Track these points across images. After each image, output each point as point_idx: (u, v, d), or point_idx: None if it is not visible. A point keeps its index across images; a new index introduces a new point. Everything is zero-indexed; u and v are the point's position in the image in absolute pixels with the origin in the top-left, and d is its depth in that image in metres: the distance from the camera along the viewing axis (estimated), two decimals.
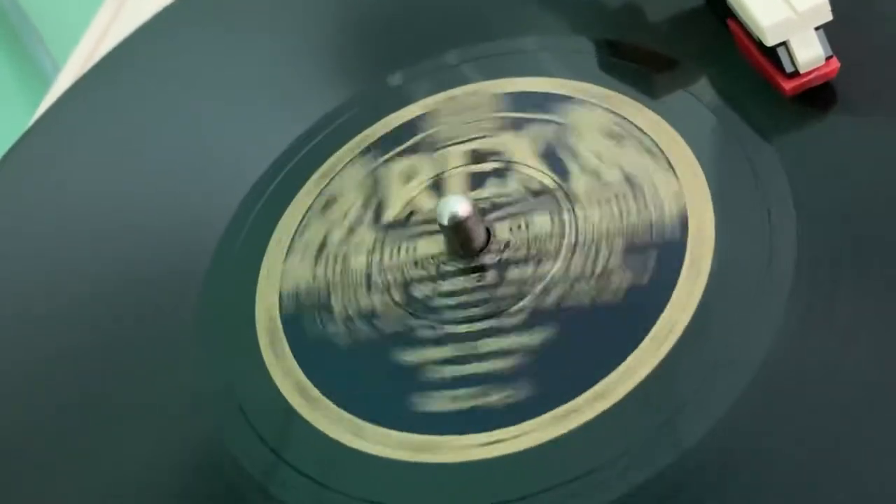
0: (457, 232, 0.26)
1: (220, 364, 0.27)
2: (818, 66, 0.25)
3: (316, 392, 0.25)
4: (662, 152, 0.27)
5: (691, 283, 0.24)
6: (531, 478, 0.22)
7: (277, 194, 0.31)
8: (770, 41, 0.25)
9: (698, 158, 0.26)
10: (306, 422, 0.25)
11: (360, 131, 0.31)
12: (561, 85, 0.30)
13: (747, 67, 0.27)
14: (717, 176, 0.26)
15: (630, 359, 0.23)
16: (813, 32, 0.25)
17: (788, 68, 0.26)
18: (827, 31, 0.25)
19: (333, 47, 0.36)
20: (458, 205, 0.26)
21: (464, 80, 0.31)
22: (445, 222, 0.26)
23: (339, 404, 0.25)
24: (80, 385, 0.28)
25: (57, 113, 0.39)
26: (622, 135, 0.28)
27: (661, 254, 0.25)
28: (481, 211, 0.27)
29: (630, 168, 0.27)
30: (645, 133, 0.28)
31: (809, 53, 0.25)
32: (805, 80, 0.26)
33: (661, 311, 0.24)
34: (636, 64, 0.29)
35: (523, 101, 0.30)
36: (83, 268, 0.32)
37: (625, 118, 0.28)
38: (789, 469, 0.20)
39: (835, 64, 0.26)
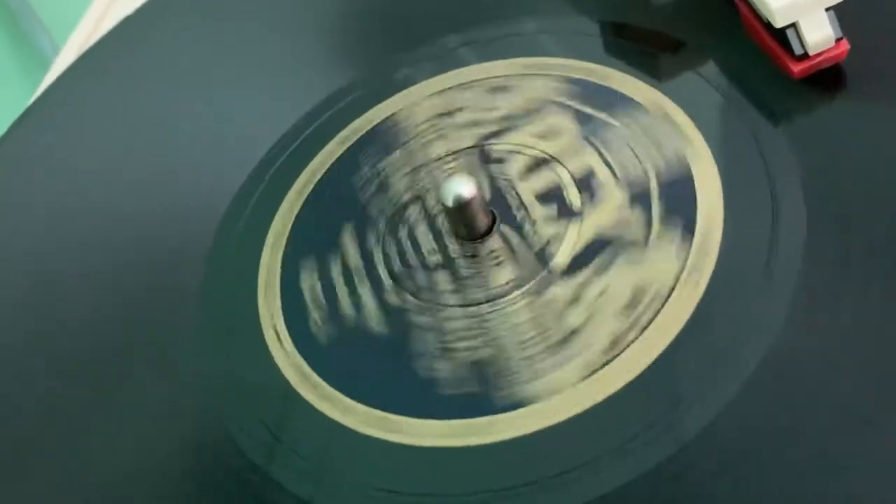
0: (462, 214, 0.26)
1: (222, 347, 0.27)
2: (828, 48, 0.25)
3: (330, 389, 0.25)
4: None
5: (701, 262, 0.24)
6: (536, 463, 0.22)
7: (277, 180, 0.31)
8: (779, 22, 0.25)
9: (706, 141, 0.26)
10: (307, 403, 0.25)
11: (359, 115, 0.31)
12: (563, 66, 0.30)
13: (755, 49, 0.27)
14: (725, 159, 0.26)
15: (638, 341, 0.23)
16: (824, 13, 0.25)
17: (797, 50, 0.25)
18: (837, 12, 0.25)
19: (333, 32, 0.36)
20: (462, 186, 0.25)
21: (463, 63, 0.31)
22: (450, 203, 0.25)
23: (364, 402, 0.24)
24: (81, 367, 0.28)
25: (55, 94, 0.39)
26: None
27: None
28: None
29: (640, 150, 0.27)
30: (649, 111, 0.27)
31: (819, 35, 0.25)
32: (814, 62, 0.25)
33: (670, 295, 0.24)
34: (642, 46, 0.29)
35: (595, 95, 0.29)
36: (82, 249, 0.32)
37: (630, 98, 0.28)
38: (791, 461, 0.20)
39: (844, 46, 0.25)
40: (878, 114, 0.25)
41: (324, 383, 0.25)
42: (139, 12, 0.40)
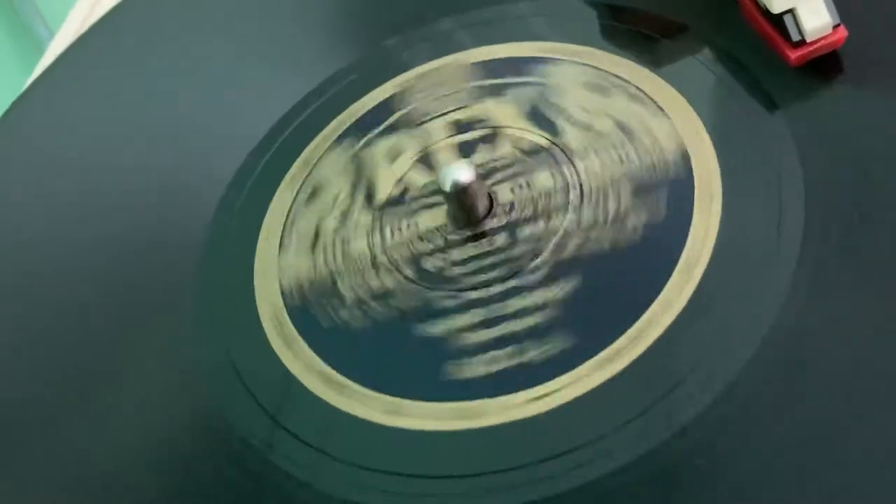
0: (460, 198, 0.26)
1: (219, 333, 0.27)
2: (825, 34, 0.25)
3: (340, 377, 0.25)
4: (661, 109, 0.27)
5: (706, 215, 0.24)
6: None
7: (259, 186, 0.30)
8: (777, 8, 0.25)
9: (704, 124, 0.26)
10: (307, 389, 0.25)
11: (344, 109, 0.31)
12: (554, 49, 0.30)
13: (753, 33, 0.27)
14: (724, 142, 0.26)
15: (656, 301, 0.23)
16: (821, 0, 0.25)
17: (795, 37, 0.25)
18: None
19: (325, 17, 0.36)
20: (459, 171, 0.25)
21: (458, 48, 0.31)
22: (448, 189, 0.25)
23: (369, 386, 0.24)
24: (79, 355, 0.28)
25: (50, 78, 0.38)
26: (608, 88, 0.28)
27: (670, 190, 0.25)
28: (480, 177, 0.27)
29: (622, 117, 0.27)
30: (643, 91, 0.28)
31: (817, 21, 0.25)
32: (811, 48, 0.25)
33: (683, 244, 0.24)
34: (639, 30, 0.29)
35: (499, 67, 0.30)
36: (76, 235, 0.32)
37: (628, 82, 0.28)
38: (792, 442, 0.20)
39: (842, 32, 0.25)
40: (876, 99, 0.25)
41: (351, 383, 0.25)
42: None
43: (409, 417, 0.23)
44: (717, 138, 0.26)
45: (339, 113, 0.31)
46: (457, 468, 0.22)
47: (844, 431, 0.20)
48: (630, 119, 0.27)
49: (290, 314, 0.26)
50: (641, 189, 0.25)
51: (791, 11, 0.25)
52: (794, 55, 0.25)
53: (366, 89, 0.31)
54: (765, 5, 0.26)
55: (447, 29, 0.32)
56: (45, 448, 0.26)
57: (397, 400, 0.24)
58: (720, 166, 0.25)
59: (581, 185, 0.26)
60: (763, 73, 0.26)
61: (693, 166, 0.25)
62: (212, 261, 0.29)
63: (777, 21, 0.25)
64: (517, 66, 0.29)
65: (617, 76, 0.28)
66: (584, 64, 0.29)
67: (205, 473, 0.24)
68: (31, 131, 0.36)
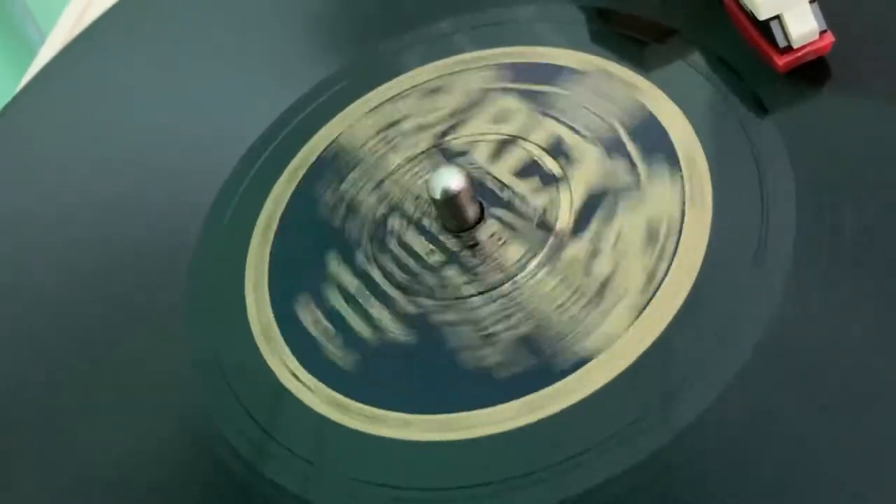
0: (449, 206, 0.26)
1: (210, 341, 0.27)
2: (812, 40, 0.25)
3: (329, 389, 0.25)
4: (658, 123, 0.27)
5: (697, 219, 0.24)
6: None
7: (267, 166, 0.31)
8: (763, 14, 0.25)
9: (694, 127, 0.26)
10: (297, 400, 0.25)
11: (353, 100, 0.31)
12: (558, 55, 0.30)
13: (742, 38, 0.27)
14: (714, 147, 0.26)
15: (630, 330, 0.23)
16: (808, 6, 0.25)
17: (781, 43, 0.25)
18: (821, 4, 0.25)
19: (320, 17, 0.36)
20: (450, 178, 0.25)
21: (458, 50, 0.31)
22: (437, 196, 0.25)
23: (362, 399, 0.24)
24: (69, 363, 0.28)
25: (41, 81, 0.38)
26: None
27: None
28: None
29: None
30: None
31: (803, 27, 0.25)
32: (798, 55, 0.25)
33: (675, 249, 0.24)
34: (629, 34, 0.29)
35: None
36: (68, 240, 0.32)
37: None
38: (787, 447, 0.20)
39: (829, 38, 0.25)
40: (865, 103, 0.25)
41: (357, 403, 0.24)
42: (124, 1, 0.40)
43: (402, 429, 0.23)
44: (707, 142, 0.26)
45: (336, 114, 0.31)
46: (450, 480, 0.22)
47: (843, 432, 0.20)
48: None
49: (301, 361, 0.26)
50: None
51: (777, 18, 0.25)
52: (781, 61, 0.25)
53: (361, 92, 0.31)
54: (751, 12, 0.26)
55: (446, 32, 0.32)
56: (32, 454, 0.26)
57: (390, 413, 0.24)
58: (710, 170, 0.25)
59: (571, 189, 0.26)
60: (753, 76, 0.26)
61: (683, 169, 0.25)
62: (202, 267, 0.29)
63: (764, 27, 0.26)
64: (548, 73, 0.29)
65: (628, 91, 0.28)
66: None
67: (194, 484, 0.24)
68: (23, 134, 0.36)
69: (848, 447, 0.20)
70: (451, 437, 0.23)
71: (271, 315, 0.27)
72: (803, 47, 0.25)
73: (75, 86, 0.37)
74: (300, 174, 0.30)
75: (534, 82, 0.29)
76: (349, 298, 0.26)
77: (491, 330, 0.24)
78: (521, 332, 0.24)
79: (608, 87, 0.28)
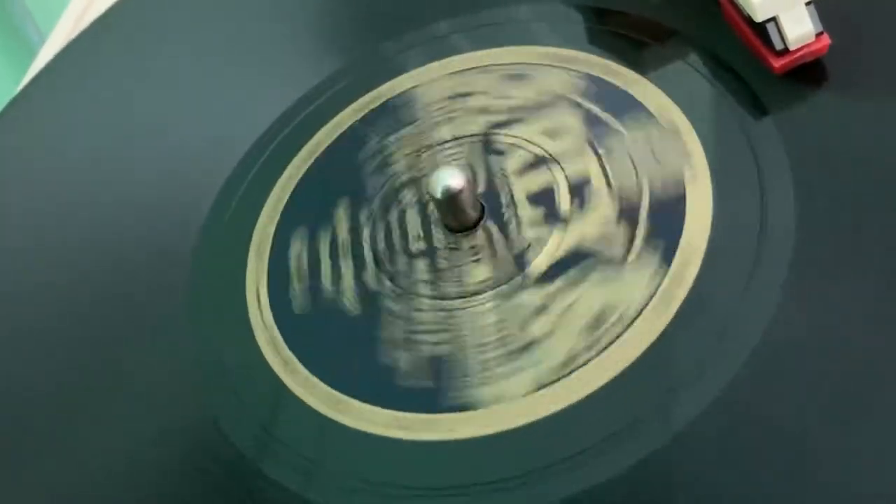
0: (448, 205, 0.26)
1: (211, 341, 0.27)
2: (808, 42, 0.25)
3: (328, 388, 0.25)
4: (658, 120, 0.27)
5: (696, 219, 0.24)
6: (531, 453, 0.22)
7: (271, 161, 0.31)
8: (759, 17, 0.25)
9: (694, 128, 0.26)
10: (297, 398, 0.25)
11: (351, 103, 0.31)
12: (553, 55, 0.30)
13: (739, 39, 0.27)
14: (713, 147, 0.26)
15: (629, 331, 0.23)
16: (804, 8, 0.25)
17: (778, 45, 0.25)
18: (817, 6, 0.25)
19: (330, 12, 0.36)
20: (451, 177, 0.25)
21: (455, 51, 0.31)
22: (438, 195, 0.25)
23: (363, 398, 0.24)
24: (69, 363, 0.28)
25: (41, 84, 0.38)
26: None
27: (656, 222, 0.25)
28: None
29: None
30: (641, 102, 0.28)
31: (800, 30, 0.25)
32: (795, 57, 0.25)
33: (675, 249, 0.24)
34: (626, 33, 0.29)
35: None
36: (68, 241, 0.32)
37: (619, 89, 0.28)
38: (789, 444, 0.20)
39: (825, 41, 0.25)
40: (864, 104, 0.25)
41: (295, 359, 0.25)
42: (123, 2, 0.40)
43: (350, 417, 0.24)
44: (707, 143, 0.26)
45: (335, 115, 0.31)
46: (454, 478, 0.22)
47: (842, 433, 0.20)
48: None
49: (269, 290, 0.27)
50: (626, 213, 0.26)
51: (774, 20, 0.25)
52: (777, 63, 0.26)
53: (360, 92, 0.31)
54: (748, 14, 0.26)
55: (443, 33, 0.32)
56: (32, 452, 0.26)
57: (344, 398, 0.24)
58: (710, 170, 0.25)
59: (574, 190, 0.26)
60: (752, 76, 0.27)
61: (683, 170, 0.26)
62: (203, 267, 0.29)
63: (760, 29, 0.26)
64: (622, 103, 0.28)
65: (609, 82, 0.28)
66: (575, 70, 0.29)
67: (196, 483, 0.24)
68: (23, 135, 0.36)
69: (847, 448, 0.20)
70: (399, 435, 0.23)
71: (266, 284, 0.27)
72: (800, 49, 0.25)
73: (75, 86, 0.37)
74: (366, 109, 0.31)
75: (604, 108, 0.28)
76: (333, 248, 0.27)
77: (417, 337, 0.25)
78: (436, 351, 0.24)
79: (666, 146, 0.26)
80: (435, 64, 0.31)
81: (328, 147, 0.30)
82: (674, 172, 0.26)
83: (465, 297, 0.25)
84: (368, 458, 0.23)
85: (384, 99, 0.31)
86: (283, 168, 0.30)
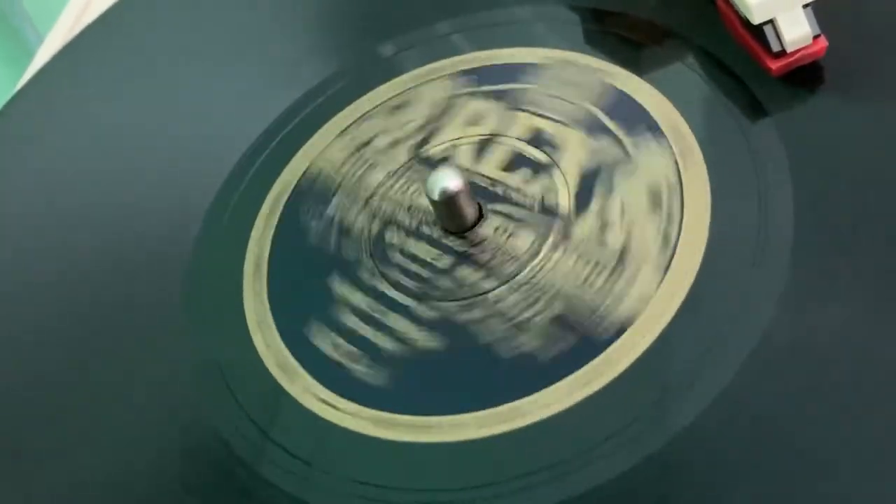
0: (447, 207, 0.26)
1: (207, 344, 0.27)
2: (805, 45, 0.25)
3: (326, 390, 0.25)
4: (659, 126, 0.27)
5: (695, 221, 0.24)
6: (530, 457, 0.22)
7: (267, 165, 0.31)
8: (757, 19, 0.25)
9: (692, 129, 0.26)
10: (295, 401, 0.25)
11: (349, 103, 0.31)
12: (553, 55, 0.30)
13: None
14: (712, 148, 0.26)
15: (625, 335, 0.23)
16: (801, 10, 0.25)
17: (775, 47, 0.25)
18: (815, 8, 0.25)
19: (324, 16, 0.36)
20: (449, 179, 0.25)
21: (455, 52, 0.31)
22: (435, 197, 0.25)
23: (359, 399, 0.24)
24: (66, 365, 0.28)
25: (38, 85, 0.38)
26: None
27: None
28: (482, 189, 0.27)
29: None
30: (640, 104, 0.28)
31: (797, 32, 0.25)
32: (792, 59, 0.26)
33: (674, 250, 0.24)
34: (624, 35, 0.29)
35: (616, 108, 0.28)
36: (64, 242, 0.32)
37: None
38: (790, 447, 0.20)
39: (822, 43, 0.25)
40: (862, 105, 0.25)
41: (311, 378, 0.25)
42: (121, 3, 0.40)
43: (402, 430, 0.23)
44: (706, 144, 0.26)
45: (334, 115, 0.31)
46: (450, 481, 0.22)
47: (841, 433, 0.20)
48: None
49: (326, 385, 0.26)
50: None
51: (771, 22, 0.25)
52: (774, 65, 0.26)
53: (362, 91, 0.31)
54: (745, 16, 0.26)
55: (444, 33, 0.32)
56: (30, 455, 0.26)
57: (388, 414, 0.24)
58: (709, 172, 0.25)
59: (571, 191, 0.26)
60: (750, 77, 0.27)
61: (682, 171, 0.26)
62: (200, 269, 0.29)
63: (758, 31, 0.26)
64: (509, 72, 0.30)
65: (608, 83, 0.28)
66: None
67: (192, 485, 0.24)
68: (20, 136, 0.36)
69: (846, 449, 0.20)
70: (503, 428, 0.23)
71: (271, 319, 0.27)
72: (797, 52, 0.25)
73: (73, 88, 0.38)
74: (281, 204, 0.30)
75: (497, 83, 0.29)
76: (364, 317, 0.26)
77: (520, 318, 0.24)
78: (552, 313, 0.24)
79: (573, 75, 0.29)
80: (318, 134, 0.31)
81: (272, 250, 0.29)
82: (598, 84, 0.28)
83: (528, 265, 0.25)
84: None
85: (292, 187, 0.30)
86: (279, 172, 0.30)
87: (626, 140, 0.26)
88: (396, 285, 0.26)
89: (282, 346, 0.26)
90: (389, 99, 0.31)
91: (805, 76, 0.26)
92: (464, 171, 0.28)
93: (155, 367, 0.27)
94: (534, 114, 0.28)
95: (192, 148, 0.33)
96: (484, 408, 0.23)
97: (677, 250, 0.24)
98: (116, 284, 0.29)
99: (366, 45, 0.33)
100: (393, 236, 0.27)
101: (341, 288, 0.27)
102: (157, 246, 0.30)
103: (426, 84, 0.31)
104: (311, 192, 0.29)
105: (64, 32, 0.43)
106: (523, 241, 0.26)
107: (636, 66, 0.28)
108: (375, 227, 0.28)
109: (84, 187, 0.33)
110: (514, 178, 0.27)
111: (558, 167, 0.27)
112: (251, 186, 0.30)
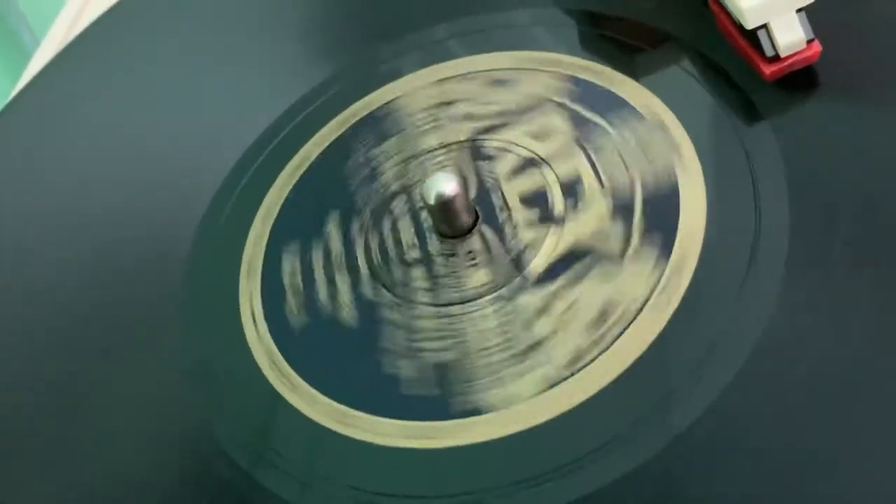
0: (442, 211, 0.26)
1: (204, 348, 0.27)
2: (799, 49, 0.25)
3: (323, 396, 0.25)
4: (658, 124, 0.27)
5: (691, 224, 0.24)
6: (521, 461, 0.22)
7: (261, 172, 0.31)
8: (750, 24, 0.25)
9: (696, 150, 0.26)
10: (292, 407, 0.25)
11: (345, 108, 0.31)
12: (563, 63, 0.30)
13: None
14: (707, 153, 0.26)
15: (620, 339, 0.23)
16: (794, 15, 0.25)
17: (769, 52, 0.26)
18: (808, 13, 0.25)
19: (319, 21, 0.36)
20: (445, 183, 0.25)
21: (451, 56, 0.31)
22: (432, 202, 0.26)
23: (354, 405, 0.24)
24: (64, 367, 0.28)
25: (35, 88, 0.38)
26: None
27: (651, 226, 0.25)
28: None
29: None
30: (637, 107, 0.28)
31: (790, 37, 0.25)
32: (786, 64, 0.26)
33: (669, 254, 0.24)
34: (620, 38, 0.29)
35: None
36: (62, 244, 0.32)
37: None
38: (781, 453, 0.20)
39: (816, 48, 0.25)
40: (856, 110, 0.25)
41: (294, 374, 0.25)
42: (117, 8, 0.40)
43: (359, 430, 0.24)
44: (701, 147, 0.26)
45: (333, 117, 0.31)
46: (451, 486, 0.22)
47: (839, 436, 0.20)
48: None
49: (264, 309, 0.27)
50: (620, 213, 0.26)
51: (765, 27, 0.25)
52: (768, 70, 0.26)
53: (360, 94, 0.32)
54: (739, 20, 0.26)
55: (439, 37, 0.32)
56: (27, 458, 0.26)
57: (351, 411, 0.24)
58: (704, 173, 0.25)
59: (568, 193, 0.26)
60: (746, 81, 0.27)
61: (678, 175, 0.26)
62: (198, 272, 0.29)
63: (751, 36, 0.26)
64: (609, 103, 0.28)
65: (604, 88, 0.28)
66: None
67: (188, 492, 0.24)
68: (18, 139, 0.36)
69: (844, 451, 0.20)
70: (501, 433, 0.23)
71: (260, 303, 0.27)
72: (790, 56, 0.26)
73: (70, 90, 0.38)
74: (349, 123, 0.30)
75: (590, 108, 0.28)
76: (327, 260, 0.27)
77: (418, 344, 0.24)
78: (440, 359, 0.24)
79: (654, 142, 0.27)
80: (421, 72, 0.31)
81: (315, 160, 0.30)
82: (665, 166, 0.26)
83: (464, 302, 0.25)
84: (375, 469, 0.23)
85: (369, 110, 0.31)
86: (275, 176, 0.30)
87: (635, 241, 0.25)
88: (367, 249, 0.27)
89: (266, 332, 0.26)
90: (497, 69, 0.30)
91: (799, 81, 0.26)
92: (493, 180, 0.27)
93: (151, 368, 0.27)
94: (590, 159, 0.27)
95: (189, 150, 0.33)
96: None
97: (674, 251, 0.24)
98: (114, 286, 0.29)
99: (366, 46, 0.33)
100: (397, 206, 0.28)
101: (332, 226, 0.27)
102: (155, 247, 0.30)
103: (537, 72, 0.30)
104: (379, 125, 0.29)
105: (61, 35, 0.43)
106: (478, 278, 0.25)
107: (631, 69, 0.28)
108: (393, 189, 0.28)
109: (82, 189, 0.33)
110: (522, 215, 0.26)
111: (561, 228, 0.26)
112: (249, 188, 0.30)
